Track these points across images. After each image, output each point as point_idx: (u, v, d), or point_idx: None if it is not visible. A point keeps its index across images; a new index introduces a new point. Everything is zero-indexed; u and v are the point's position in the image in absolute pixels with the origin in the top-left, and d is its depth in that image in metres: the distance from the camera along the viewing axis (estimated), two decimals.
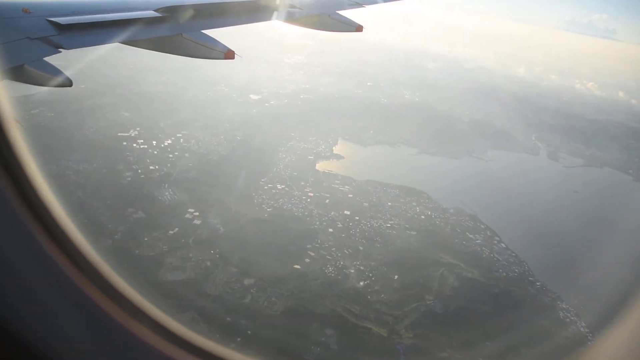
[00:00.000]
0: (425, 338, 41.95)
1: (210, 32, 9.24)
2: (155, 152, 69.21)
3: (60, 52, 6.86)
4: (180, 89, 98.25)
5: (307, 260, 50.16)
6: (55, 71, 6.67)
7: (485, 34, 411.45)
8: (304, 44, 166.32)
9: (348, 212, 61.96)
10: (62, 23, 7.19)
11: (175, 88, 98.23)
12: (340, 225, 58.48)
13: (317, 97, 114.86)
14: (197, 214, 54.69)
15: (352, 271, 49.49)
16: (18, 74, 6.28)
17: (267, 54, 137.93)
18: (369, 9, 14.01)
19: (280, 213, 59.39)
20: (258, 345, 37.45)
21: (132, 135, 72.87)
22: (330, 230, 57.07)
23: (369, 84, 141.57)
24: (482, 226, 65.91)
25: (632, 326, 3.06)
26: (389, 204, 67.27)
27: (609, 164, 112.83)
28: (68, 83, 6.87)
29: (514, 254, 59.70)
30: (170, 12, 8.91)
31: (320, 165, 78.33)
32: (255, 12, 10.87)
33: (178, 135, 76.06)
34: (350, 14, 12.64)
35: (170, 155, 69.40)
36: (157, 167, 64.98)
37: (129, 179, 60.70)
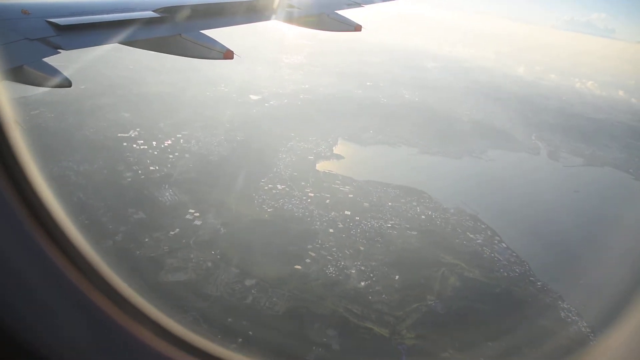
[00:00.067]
0: (427, 338, 41.89)
1: (209, 32, 9.23)
2: (156, 153, 69.17)
3: (60, 52, 6.85)
4: (180, 90, 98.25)
5: (307, 260, 50.11)
6: (55, 72, 6.65)
7: (485, 33, 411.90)
8: (303, 44, 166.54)
9: (348, 213, 61.92)
10: (61, 24, 7.19)
11: (175, 88, 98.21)
12: (340, 226, 58.43)
13: (317, 97, 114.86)
14: (197, 214, 54.65)
15: (353, 271, 49.44)
16: (17, 74, 6.27)
17: (267, 54, 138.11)
18: (368, 8, 14.03)
19: (281, 213, 59.34)
20: (259, 346, 37.42)
21: (132, 135, 72.82)
22: (331, 230, 57.02)
23: (368, 84, 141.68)
24: (483, 226, 65.90)
25: (633, 326, 3.05)
26: (390, 204, 67.23)
27: (609, 163, 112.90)
28: (67, 84, 6.86)
29: (514, 254, 59.67)
30: (169, 13, 8.90)
31: (321, 166, 78.31)
32: (254, 12, 10.87)
33: (178, 135, 76.02)
34: (349, 13, 12.64)
35: (171, 156, 69.35)
36: (157, 167, 64.94)
37: (130, 179, 60.65)
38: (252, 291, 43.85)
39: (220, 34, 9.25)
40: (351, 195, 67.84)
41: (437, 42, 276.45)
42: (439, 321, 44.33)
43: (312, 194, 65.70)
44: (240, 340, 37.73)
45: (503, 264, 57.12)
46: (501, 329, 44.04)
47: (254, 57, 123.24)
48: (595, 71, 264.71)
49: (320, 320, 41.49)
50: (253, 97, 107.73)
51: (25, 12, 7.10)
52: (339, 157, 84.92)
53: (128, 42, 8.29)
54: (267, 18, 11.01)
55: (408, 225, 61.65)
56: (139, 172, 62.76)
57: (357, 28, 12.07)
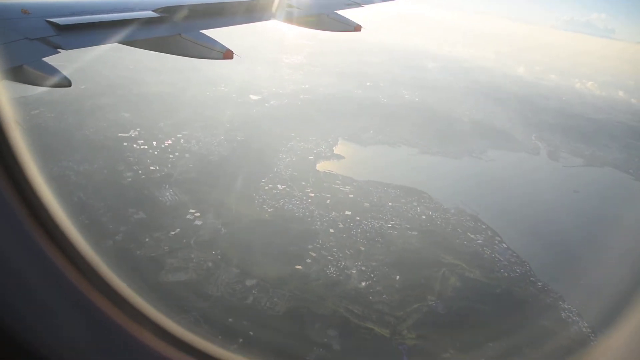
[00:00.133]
0: (428, 339, 41.87)
1: (209, 32, 9.22)
2: (156, 153, 69.13)
3: (60, 52, 6.86)
4: (180, 90, 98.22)
5: (308, 260, 50.08)
6: (54, 71, 6.65)
7: (484, 34, 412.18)
8: (303, 44, 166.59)
9: (349, 213, 61.89)
10: (61, 24, 7.19)
11: (175, 88, 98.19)
12: (341, 226, 58.41)
13: (317, 97, 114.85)
14: (198, 214, 54.61)
15: (354, 272, 49.41)
16: (17, 74, 6.27)
17: (267, 54, 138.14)
18: (367, 8, 14.04)
19: (281, 213, 59.31)
20: (260, 347, 37.40)
21: (133, 135, 72.77)
22: (332, 230, 56.99)
23: (368, 84, 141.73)
24: (483, 226, 65.89)
25: (633, 326, 3.05)
26: (390, 204, 67.21)
27: (609, 164, 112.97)
28: (67, 83, 6.84)
29: (515, 254, 59.66)
30: (168, 13, 8.91)
31: (321, 166, 78.29)
32: (253, 12, 10.88)
33: (178, 135, 75.99)
34: (349, 13, 12.63)
35: (171, 156, 69.32)
36: (157, 167, 64.90)
37: (130, 179, 60.61)
38: (253, 291, 43.82)
39: (219, 34, 9.24)
40: (351, 196, 67.82)
41: (437, 42, 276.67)
42: (439, 321, 44.30)
43: (312, 194, 65.68)
44: (241, 340, 37.71)
45: (503, 264, 57.12)
46: (502, 330, 44.01)
47: (253, 57, 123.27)
48: (595, 71, 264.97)
49: (321, 321, 41.46)
50: (253, 97, 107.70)
51: (25, 11, 7.11)
52: (339, 157, 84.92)
53: (128, 42, 8.30)
54: (267, 18, 11.03)
55: (408, 226, 61.64)
56: (139, 172, 62.72)
57: (356, 28, 12.07)
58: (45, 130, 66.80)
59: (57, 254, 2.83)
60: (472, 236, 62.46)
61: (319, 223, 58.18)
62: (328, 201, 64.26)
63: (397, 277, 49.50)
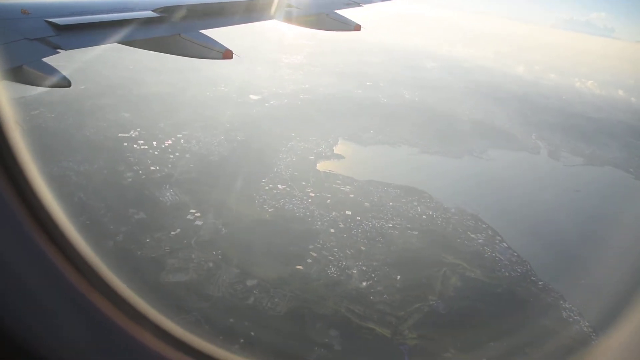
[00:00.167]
0: (429, 339, 41.84)
1: (208, 32, 9.22)
2: (156, 153, 69.10)
3: (59, 52, 6.86)
4: (180, 90, 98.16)
5: (309, 260, 50.05)
6: (54, 72, 6.64)
7: (484, 33, 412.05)
8: (303, 44, 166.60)
9: (349, 212, 61.86)
10: (61, 24, 7.19)
11: (175, 88, 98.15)
12: (341, 226, 58.38)
13: (317, 97, 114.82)
14: (198, 214, 54.57)
15: (355, 272, 49.38)
16: (17, 74, 6.26)
17: (266, 54, 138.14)
18: (367, 8, 14.06)
19: (282, 213, 59.29)
20: (261, 347, 37.39)
21: (133, 136, 72.73)
22: (332, 230, 56.96)
23: (368, 83, 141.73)
24: (484, 226, 65.87)
25: (633, 325, 3.04)
26: (390, 203, 67.20)
27: (610, 163, 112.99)
28: (66, 83, 6.83)
29: (515, 254, 59.64)
30: (168, 12, 8.90)
31: (321, 165, 78.27)
32: (253, 12, 10.88)
33: (178, 135, 75.96)
34: (349, 13, 12.65)
35: (171, 156, 69.30)
36: (158, 167, 64.86)
37: (130, 179, 60.58)
38: (254, 291, 43.78)
39: (219, 34, 9.22)
40: (352, 195, 67.81)
41: (437, 42, 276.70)
42: (440, 321, 44.27)
43: (313, 194, 65.66)
44: (242, 340, 37.68)
45: (504, 263, 57.10)
46: (503, 329, 43.94)
47: (253, 57, 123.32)
48: (595, 70, 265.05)
49: (322, 321, 41.43)
50: (253, 97, 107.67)
51: (24, 11, 7.10)
52: (339, 157, 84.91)
53: (127, 42, 8.31)
54: (266, 18, 11.04)
55: (409, 225, 61.62)
56: (140, 172, 62.68)
57: (356, 28, 12.11)
58: (46, 130, 66.75)
59: (56, 254, 2.83)
60: (472, 236, 62.45)
61: (319, 223, 58.15)
62: (328, 201, 64.24)
63: (398, 277, 49.47)
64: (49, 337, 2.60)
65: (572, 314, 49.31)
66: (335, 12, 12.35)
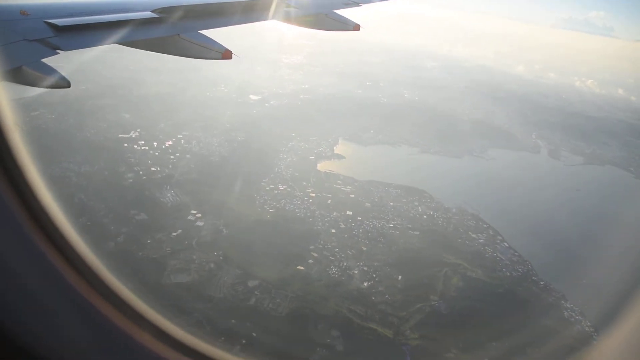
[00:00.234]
0: (431, 339, 41.82)
1: (207, 33, 9.21)
2: (157, 154, 69.06)
3: (58, 53, 6.84)
4: (180, 90, 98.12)
5: (310, 261, 50.02)
6: (53, 72, 6.62)
7: (484, 33, 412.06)
8: (302, 44, 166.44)
9: (350, 213, 61.83)
10: (60, 25, 7.16)
11: (175, 89, 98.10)
12: (342, 226, 58.36)
13: (317, 97, 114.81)
14: (199, 215, 54.53)
15: (356, 272, 49.36)
16: (16, 75, 6.25)
17: (266, 54, 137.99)
18: (367, 8, 14.07)
19: (283, 214, 59.27)
20: (263, 348, 37.37)
21: (133, 136, 72.68)
22: (333, 230, 56.94)
23: (368, 83, 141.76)
24: (485, 225, 65.87)
25: (633, 325, 3.05)
26: (391, 203, 67.18)
27: (610, 162, 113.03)
28: (66, 84, 6.81)
29: (517, 253, 59.63)
30: (167, 13, 8.89)
31: (322, 166, 78.25)
32: (252, 12, 10.85)
33: (179, 136, 75.93)
34: (348, 13, 12.63)
35: (172, 157, 69.27)
36: (158, 168, 64.83)
37: (131, 180, 60.53)
38: (255, 292, 43.75)
39: (218, 34, 9.21)
40: (353, 196, 67.78)
41: (437, 42, 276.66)
42: (442, 321, 44.26)
43: (313, 194, 65.63)
44: (244, 341, 37.66)
45: (505, 263, 57.10)
46: (505, 329, 43.95)
47: (253, 57, 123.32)
48: (595, 69, 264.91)
49: (324, 321, 41.39)
50: (253, 97, 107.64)
51: (23, 12, 7.08)
52: (340, 157, 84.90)
53: (127, 43, 8.29)
54: (266, 18, 11.01)
55: (410, 225, 61.61)
56: (140, 173, 62.64)
57: (355, 28, 12.09)
58: (46, 131, 66.70)
59: (56, 256, 2.83)
60: (473, 235, 62.44)
61: (320, 223, 58.13)
62: (329, 201, 64.21)
63: (400, 277, 49.45)
64: (49, 338, 2.61)
65: (573, 314, 49.30)
66: (335, 12, 12.33)
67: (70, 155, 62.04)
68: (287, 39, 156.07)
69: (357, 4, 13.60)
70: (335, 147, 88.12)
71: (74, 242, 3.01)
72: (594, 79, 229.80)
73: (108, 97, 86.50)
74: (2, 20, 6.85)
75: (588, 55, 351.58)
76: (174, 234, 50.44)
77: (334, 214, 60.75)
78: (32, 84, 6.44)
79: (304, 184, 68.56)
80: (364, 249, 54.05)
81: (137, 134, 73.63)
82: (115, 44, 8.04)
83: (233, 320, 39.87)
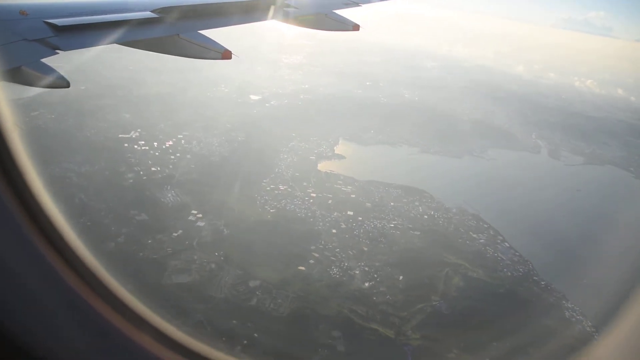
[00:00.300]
0: (432, 339, 41.78)
1: (207, 33, 9.20)
2: (157, 154, 69.00)
3: (58, 53, 6.83)
4: (181, 90, 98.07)
5: (311, 261, 49.99)
6: (53, 72, 6.60)
7: (484, 33, 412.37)
8: (302, 44, 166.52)
9: (351, 213, 61.80)
10: (59, 24, 7.16)
11: (175, 89, 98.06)
12: (343, 226, 58.33)
13: (317, 97, 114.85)
14: (200, 215, 54.48)
15: (357, 272, 49.33)
16: (16, 75, 6.24)
17: (266, 54, 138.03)
18: (367, 8, 14.06)
19: (283, 214, 59.23)
20: (264, 348, 37.32)
21: (134, 136, 72.62)
22: (334, 231, 56.91)
23: (368, 83, 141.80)
24: (485, 225, 65.86)
25: (632, 324, 3.03)
26: (392, 204, 67.16)
27: (610, 162, 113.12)
28: (65, 84, 6.79)
29: (517, 253, 59.64)
30: (166, 13, 8.88)
31: (322, 166, 78.23)
32: (252, 12, 10.85)
33: (179, 136, 75.88)
34: (348, 13, 12.62)
35: (172, 157, 69.21)
36: (159, 168, 64.78)
37: (131, 180, 60.46)
38: (256, 293, 43.71)
39: (218, 35, 9.19)
40: (353, 196, 67.75)
41: (437, 42, 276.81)
42: (443, 321, 44.24)
43: (314, 195, 65.59)
44: (245, 342, 37.63)
45: (506, 263, 57.11)
46: (506, 329, 43.94)
47: (253, 57, 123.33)
48: (594, 69, 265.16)
49: (325, 322, 41.34)
50: (253, 97, 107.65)
51: (23, 12, 7.06)
52: (340, 157, 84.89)
53: (126, 43, 8.28)
54: (265, 18, 11.00)
55: (411, 225, 61.59)
56: (141, 173, 62.58)
57: (355, 28, 12.07)
58: (46, 131, 66.66)
59: (55, 256, 2.83)
60: (474, 235, 62.43)
61: (321, 223, 58.09)
62: (330, 201, 64.18)
63: (401, 277, 49.43)
64: (48, 339, 2.61)
65: (574, 314, 49.32)
66: (334, 12, 12.33)
67: (70, 155, 61.98)
68: (287, 39, 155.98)
69: (357, 4, 13.60)
70: (335, 147, 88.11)
71: (73, 242, 3.00)
72: (594, 79, 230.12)
73: (108, 97, 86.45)
74: (2, 20, 6.85)
75: (588, 55, 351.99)
76: (175, 234, 50.38)
77: (335, 214, 60.72)
78: (32, 84, 6.44)
79: (305, 184, 68.52)
80: (365, 249, 54.02)
81: (137, 134, 73.57)
82: (115, 44, 8.04)
83: (234, 321, 39.82)
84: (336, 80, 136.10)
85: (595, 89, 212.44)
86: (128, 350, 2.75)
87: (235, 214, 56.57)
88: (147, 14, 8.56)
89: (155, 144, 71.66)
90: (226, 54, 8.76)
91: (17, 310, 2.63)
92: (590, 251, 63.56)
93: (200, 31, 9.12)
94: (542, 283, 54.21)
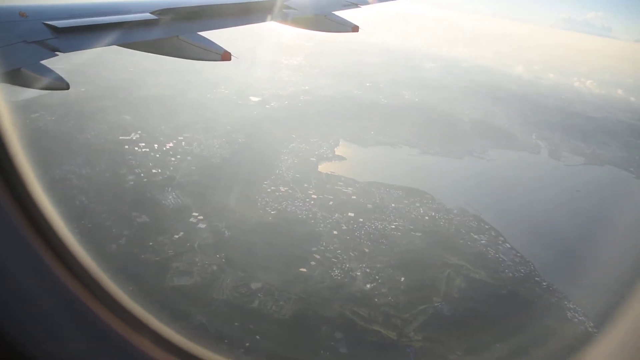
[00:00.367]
0: (435, 341, 41.71)
1: (206, 34, 9.24)
2: (158, 156, 68.93)
3: (57, 55, 6.86)
4: (181, 92, 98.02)
5: (312, 263, 49.91)
6: (52, 74, 6.63)
7: (483, 33, 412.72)
8: (302, 45, 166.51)
9: (352, 214, 61.75)
10: (59, 26, 7.18)
11: (175, 90, 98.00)
12: (344, 228, 58.27)
13: (317, 99, 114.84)
14: (201, 217, 54.40)
15: (359, 274, 49.26)
16: (15, 77, 6.26)
17: (266, 55, 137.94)
18: (366, 9, 14.11)
19: (284, 216, 59.16)
20: (267, 351, 37.26)
21: (134, 138, 72.55)
22: (335, 232, 56.85)
23: (368, 84, 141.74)
24: (486, 226, 65.81)
25: (631, 324, 3.03)
26: (393, 205, 67.11)
27: (610, 162, 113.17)
28: (65, 86, 6.80)
29: (519, 254, 59.60)
30: (166, 15, 8.91)
31: (323, 167, 78.17)
32: (251, 14, 10.89)
33: (180, 138, 75.81)
34: (347, 14, 12.64)
35: (173, 159, 69.14)
36: (159, 170, 64.70)
37: (132, 182, 60.38)
38: (258, 295, 43.63)
39: (218, 36, 9.21)
40: (354, 197, 67.70)
41: (437, 42, 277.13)
42: (445, 323, 44.16)
43: (315, 196, 65.53)
44: (247, 344, 37.57)
45: (508, 264, 57.05)
46: (508, 330, 43.95)
47: (253, 58, 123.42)
48: (594, 70, 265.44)
49: (327, 324, 41.27)
50: (253, 98, 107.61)
51: (22, 14, 7.09)
52: (340, 158, 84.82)
53: (126, 44, 8.31)
54: (264, 19, 11.05)
55: (412, 227, 61.52)
56: (142, 175, 62.50)
57: (354, 29, 12.12)
58: (46, 133, 66.63)
59: (53, 258, 2.82)
60: (475, 236, 62.39)
61: (322, 225, 58.03)
62: (331, 203, 64.13)
63: (402, 279, 49.37)
64: (46, 341, 2.61)
65: (576, 315, 49.26)
66: (333, 14, 12.37)
67: (70, 157, 61.91)
68: (286, 40, 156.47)
69: (356, 5, 13.66)
70: (336, 149, 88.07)
71: (72, 245, 3.00)
72: (594, 79, 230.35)
73: (108, 98, 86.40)
74: (1, 21, 6.86)
75: (587, 56, 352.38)
76: (176, 236, 50.31)
77: (336, 215, 60.67)
78: (31, 85, 6.44)
79: (306, 185, 68.46)
80: (366, 250, 53.96)
81: (137, 135, 73.50)
82: (115, 46, 8.07)
83: (236, 323, 39.77)
84: (336, 81, 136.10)
85: (595, 90, 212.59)
86: (126, 353, 2.73)
87: (236, 215, 56.52)
88: (147, 16, 8.59)
89: (156, 145, 71.60)
90: (226, 56, 8.79)
91: (15, 312, 2.61)
92: (592, 251, 63.49)
93: (199, 33, 9.16)
94: (544, 284, 54.15)
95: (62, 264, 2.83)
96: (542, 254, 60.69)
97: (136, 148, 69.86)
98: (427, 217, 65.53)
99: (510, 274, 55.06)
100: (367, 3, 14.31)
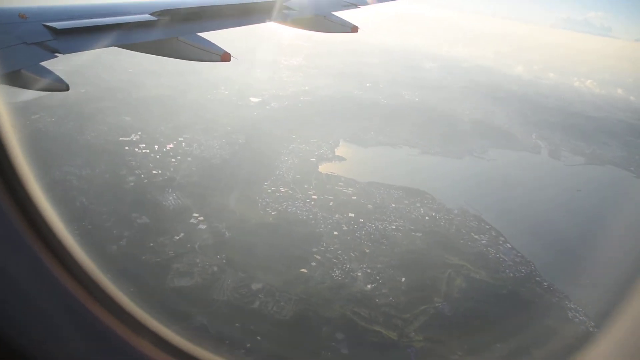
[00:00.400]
0: (436, 341, 41.68)
1: (206, 35, 9.25)
2: (158, 157, 68.93)
3: (57, 56, 6.88)
4: (181, 93, 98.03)
5: (313, 263, 49.90)
6: (52, 75, 6.65)
7: (483, 33, 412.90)
8: (301, 46, 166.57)
9: (352, 215, 61.73)
10: (59, 28, 7.20)
11: (175, 91, 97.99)
12: (345, 228, 58.25)
13: (317, 99, 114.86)
14: (202, 218, 54.40)
15: (359, 274, 49.24)
16: (15, 79, 6.29)
17: (265, 56, 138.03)
18: (366, 9, 14.13)
19: (285, 216, 59.15)
20: (268, 351, 37.25)
21: (134, 139, 72.56)
22: (336, 233, 56.83)
23: (368, 84, 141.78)
24: (487, 226, 65.78)
25: (630, 323, 3.03)
26: (393, 205, 67.09)
27: (610, 162, 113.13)
28: (64, 87, 6.82)
29: (519, 254, 59.57)
30: (165, 16, 8.92)
31: (323, 167, 78.16)
32: (250, 14, 10.91)
33: (180, 139, 75.82)
34: (346, 14, 12.64)
35: (173, 160, 69.13)
36: (160, 171, 64.70)
37: (132, 183, 60.38)
38: (259, 295, 43.62)
39: (217, 37, 9.21)
40: (354, 197, 67.68)
41: (436, 42, 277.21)
42: (446, 323, 44.13)
43: (315, 197, 65.52)
44: (248, 345, 37.55)
45: (508, 264, 57.01)
46: (509, 330, 43.92)
47: (252, 59, 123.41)
48: (594, 70, 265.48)
49: (328, 324, 41.24)
50: (253, 99, 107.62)
51: (22, 16, 7.11)
52: (341, 158, 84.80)
53: (125, 46, 8.33)
54: (264, 20, 11.04)
55: (412, 227, 61.49)
56: (142, 176, 62.50)
57: (353, 29, 12.12)
58: (46, 134, 66.67)
59: (53, 260, 2.82)
60: (476, 237, 62.35)
61: (322, 225, 58.01)
62: (331, 203, 64.12)
63: (403, 279, 49.35)
64: (45, 342, 2.61)
65: (577, 314, 49.23)
66: (333, 14, 12.38)
67: (71, 158, 61.92)
68: (286, 40, 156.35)
69: (355, 6, 13.67)
70: (336, 149, 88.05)
71: (72, 247, 2.99)
72: (594, 79, 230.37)
73: (108, 99, 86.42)
74: (1, 23, 6.87)
75: (587, 56, 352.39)
76: (177, 237, 50.31)
77: (336, 216, 60.65)
78: (31, 87, 6.45)
79: (306, 186, 68.45)
80: (367, 251, 53.94)
81: (137, 137, 73.51)
82: (114, 47, 8.07)
83: (237, 324, 39.76)
84: (336, 81, 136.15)
85: (595, 89, 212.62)
86: (127, 354, 2.73)
87: (237, 216, 56.52)
88: (146, 17, 8.60)
89: (156, 146, 71.61)
90: (225, 56, 8.80)
91: (15, 313, 2.61)
92: (592, 251, 63.45)
93: (199, 34, 9.17)
94: (545, 284, 54.11)
95: (62, 266, 2.83)
96: (542, 254, 60.64)
97: (136, 149, 69.87)
98: (427, 218, 65.51)
99: (511, 274, 55.03)
100: (366, 3, 14.33)
